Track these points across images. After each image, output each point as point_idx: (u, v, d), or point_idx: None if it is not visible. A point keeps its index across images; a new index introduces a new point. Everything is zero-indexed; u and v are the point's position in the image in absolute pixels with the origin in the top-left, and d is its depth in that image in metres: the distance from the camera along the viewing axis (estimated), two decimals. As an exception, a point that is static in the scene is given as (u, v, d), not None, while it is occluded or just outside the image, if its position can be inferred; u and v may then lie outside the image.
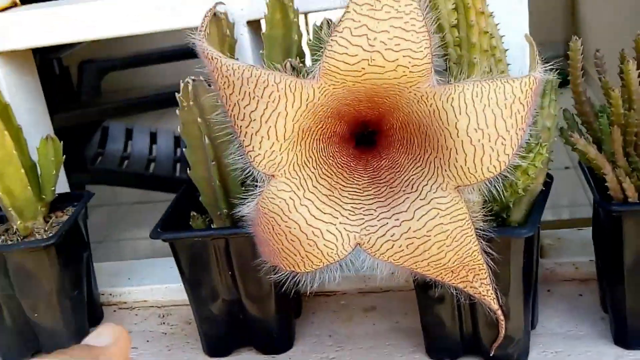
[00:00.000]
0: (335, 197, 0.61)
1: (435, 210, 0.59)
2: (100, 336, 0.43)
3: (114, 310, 0.98)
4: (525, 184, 0.69)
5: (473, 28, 0.63)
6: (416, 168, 0.61)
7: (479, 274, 0.62)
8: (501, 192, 0.61)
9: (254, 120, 0.57)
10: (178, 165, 2.19)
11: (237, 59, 0.83)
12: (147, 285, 0.98)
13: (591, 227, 0.91)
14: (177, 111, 0.79)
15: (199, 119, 0.77)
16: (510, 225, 0.73)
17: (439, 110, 0.57)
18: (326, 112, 0.59)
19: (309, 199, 0.60)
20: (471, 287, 0.63)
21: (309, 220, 0.60)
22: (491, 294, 0.64)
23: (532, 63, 0.63)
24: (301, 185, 0.60)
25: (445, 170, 0.59)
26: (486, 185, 0.59)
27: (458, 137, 0.57)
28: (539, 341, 0.78)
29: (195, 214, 0.83)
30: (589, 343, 0.78)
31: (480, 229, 0.61)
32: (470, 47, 0.64)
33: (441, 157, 0.59)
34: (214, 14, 0.79)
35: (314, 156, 0.61)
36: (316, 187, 0.61)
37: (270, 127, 0.57)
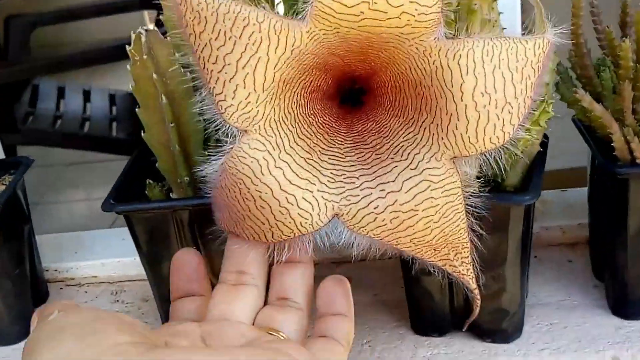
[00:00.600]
0: (314, 161, 0.53)
1: (427, 182, 0.52)
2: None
3: (61, 288, 0.89)
4: (526, 144, 0.62)
5: (474, -31, 0.56)
6: (408, 134, 0.53)
7: (461, 253, 0.56)
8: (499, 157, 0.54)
9: (229, 64, 0.48)
10: (114, 125, 2.11)
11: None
12: (97, 260, 0.89)
13: (577, 189, 0.87)
14: (128, 66, 0.70)
15: (154, 75, 0.68)
16: (506, 189, 0.67)
17: (442, 69, 0.50)
18: (312, 62, 0.51)
19: (284, 161, 0.52)
20: (451, 265, 0.56)
21: (283, 184, 0.52)
22: (470, 272, 0.57)
23: (539, 24, 0.56)
24: (277, 144, 0.52)
25: (442, 139, 0.52)
26: (485, 157, 0.53)
27: (462, 100, 0.50)
28: (531, 313, 0.73)
29: (151, 182, 0.74)
30: (585, 313, 0.73)
31: (472, 206, 0.54)
32: (475, -2, 0.57)
33: (439, 122, 0.51)
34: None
35: (293, 112, 0.53)
36: (293, 148, 0.53)
37: (247, 73, 0.48)
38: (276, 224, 0.52)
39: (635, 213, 0.65)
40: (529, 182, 0.65)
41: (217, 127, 0.51)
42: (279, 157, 0.52)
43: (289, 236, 0.53)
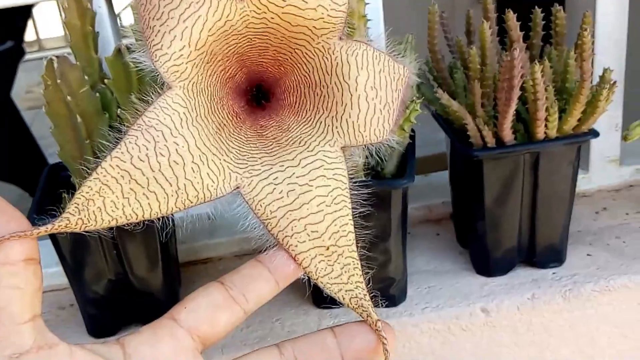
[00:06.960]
0: (223, 138, 0.61)
1: (321, 161, 0.61)
2: None
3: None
4: (400, 138, 0.75)
5: (353, -6, 0.67)
6: (305, 128, 0.64)
7: (353, 275, 0.59)
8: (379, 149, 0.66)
9: (172, 18, 0.56)
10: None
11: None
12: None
13: (438, 172, 1.01)
14: (41, 91, 0.76)
15: (68, 97, 0.75)
16: (385, 176, 0.79)
17: (342, 64, 0.61)
18: (236, 46, 0.60)
19: (200, 124, 0.59)
20: (347, 290, 0.59)
21: (198, 142, 0.58)
22: (368, 299, 0.58)
23: None
24: (195, 108, 0.59)
25: (337, 127, 0.62)
26: (369, 149, 0.64)
27: (356, 91, 0.61)
28: (412, 279, 0.86)
29: (66, 195, 0.80)
30: (456, 276, 0.87)
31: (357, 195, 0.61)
32: (351, 13, 0.68)
33: (334, 114, 0.62)
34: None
35: (210, 90, 0.61)
36: (207, 118, 0.60)
37: (186, 27, 0.57)
38: (184, 184, 0.57)
39: (489, 188, 0.79)
40: (404, 169, 0.78)
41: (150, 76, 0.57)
42: (196, 119, 0.59)
43: (193, 201, 0.57)
